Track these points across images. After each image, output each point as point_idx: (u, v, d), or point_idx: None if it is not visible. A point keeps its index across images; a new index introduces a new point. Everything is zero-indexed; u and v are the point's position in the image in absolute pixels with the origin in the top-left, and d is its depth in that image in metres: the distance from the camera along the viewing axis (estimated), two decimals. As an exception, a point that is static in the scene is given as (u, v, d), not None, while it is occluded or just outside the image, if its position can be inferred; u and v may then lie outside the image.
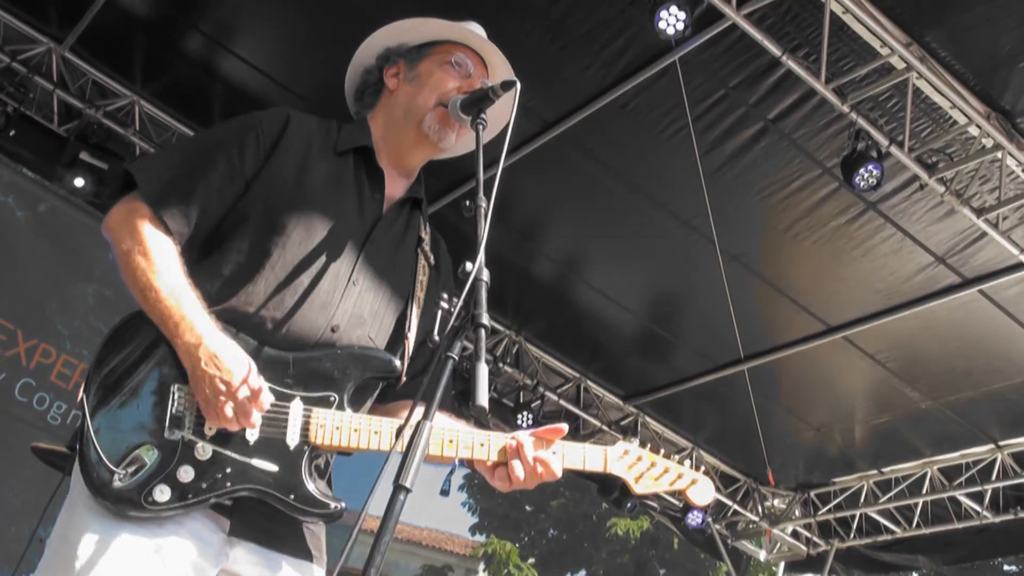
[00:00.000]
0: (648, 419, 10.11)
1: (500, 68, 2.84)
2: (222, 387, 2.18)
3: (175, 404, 2.26)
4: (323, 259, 2.51)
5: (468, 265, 2.08)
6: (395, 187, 2.75)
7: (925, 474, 9.60)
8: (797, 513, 10.70)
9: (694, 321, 8.69)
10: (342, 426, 2.35)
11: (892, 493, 9.84)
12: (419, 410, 2.00)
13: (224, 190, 2.49)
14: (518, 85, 2.45)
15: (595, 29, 6.21)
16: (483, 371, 1.95)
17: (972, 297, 7.40)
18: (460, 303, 2.06)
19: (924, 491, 9.62)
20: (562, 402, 9.78)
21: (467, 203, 2.24)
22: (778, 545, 11.10)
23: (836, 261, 7.49)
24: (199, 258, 2.48)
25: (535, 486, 2.47)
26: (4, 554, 7.79)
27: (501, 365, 9.25)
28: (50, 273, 8.58)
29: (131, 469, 2.17)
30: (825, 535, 10.73)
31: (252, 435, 2.28)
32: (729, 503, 10.64)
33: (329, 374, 2.41)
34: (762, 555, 11.36)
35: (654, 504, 10.76)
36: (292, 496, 2.29)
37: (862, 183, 6.25)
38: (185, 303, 2.28)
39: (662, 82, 6.43)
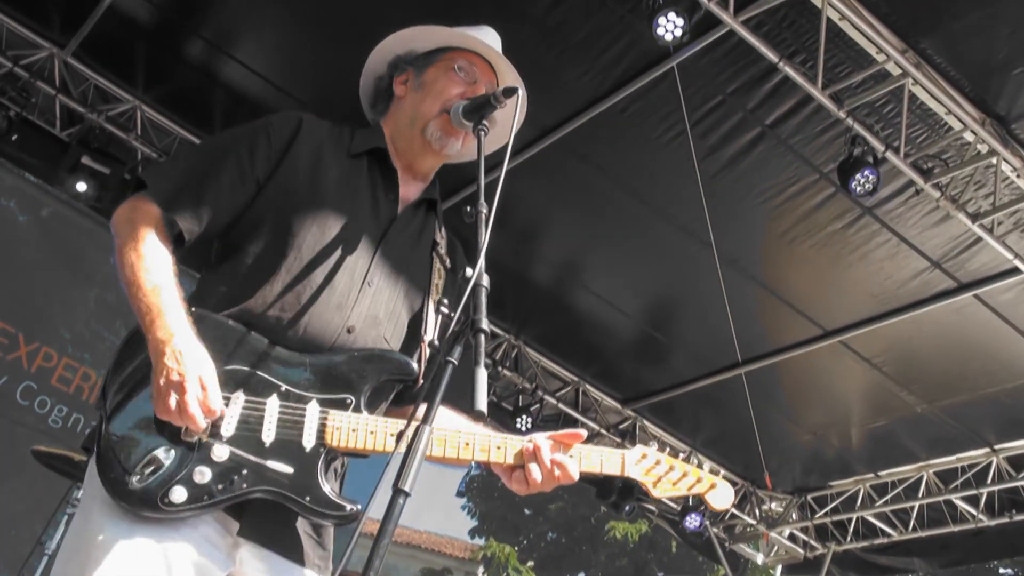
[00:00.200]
0: (646, 422, 10.15)
1: (508, 75, 2.84)
2: (175, 379, 2.17)
3: None
4: (338, 259, 2.52)
5: (468, 270, 2.09)
6: (409, 189, 2.77)
7: (921, 477, 9.64)
8: (794, 516, 10.75)
9: (692, 325, 8.73)
10: (358, 428, 2.35)
11: (888, 496, 9.89)
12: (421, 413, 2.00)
13: (234, 190, 2.52)
14: (520, 91, 2.45)
15: (593, 35, 6.25)
16: (482, 376, 1.95)
17: (967, 302, 7.44)
18: (460, 308, 2.07)
19: (920, 494, 9.66)
20: (561, 406, 9.81)
21: (468, 209, 2.24)
22: (775, 548, 11.14)
23: (833, 266, 7.53)
24: (217, 262, 2.52)
25: (552, 489, 2.47)
26: (5, 558, 7.81)
27: (500, 369, 9.29)
28: (52, 277, 8.61)
29: (148, 470, 2.18)
30: (822, 538, 10.77)
31: (268, 437, 2.28)
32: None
33: (346, 376, 2.40)
34: (759, 558, 11.40)
35: (652, 507, 10.79)
36: (308, 498, 2.28)
37: (858, 188, 6.28)
38: (165, 300, 2.29)
39: (660, 88, 6.47)
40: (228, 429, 2.26)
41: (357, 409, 2.38)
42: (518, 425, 9.44)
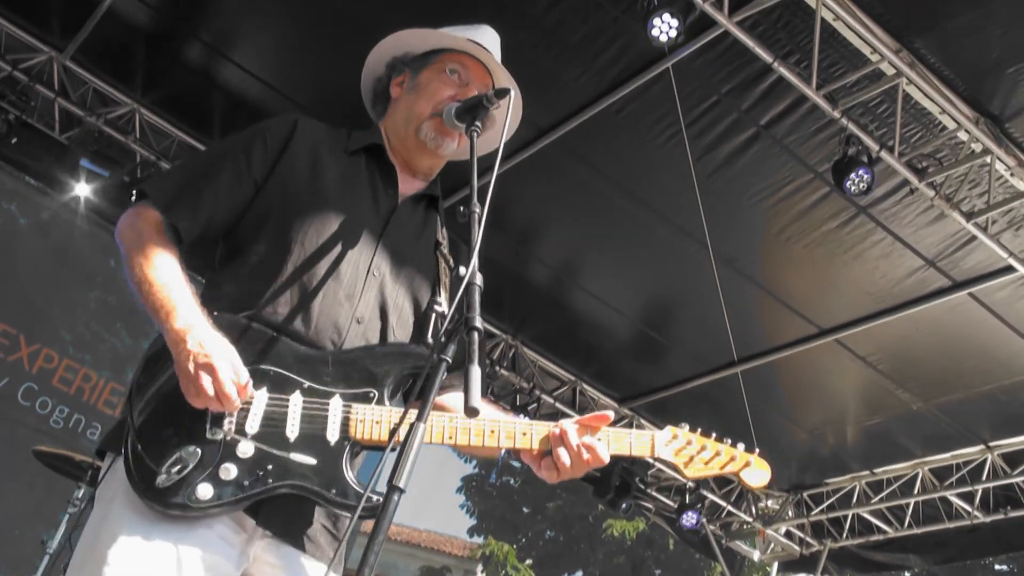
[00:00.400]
0: (643, 421, 10.16)
1: (503, 76, 2.85)
2: (203, 361, 2.19)
3: None
4: (342, 252, 2.55)
5: (462, 269, 2.10)
6: (408, 186, 2.80)
7: (916, 475, 9.67)
8: (790, 513, 10.78)
9: (688, 324, 8.77)
10: (382, 420, 2.36)
11: (884, 493, 9.91)
12: (424, 411, 2.00)
13: (232, 190, 2.55)
14: (512, 92, 2.47)
15: (589, 37, 6.28)
16: (476, 373, 1.95)
17: (962, 300, 7.47)
18: (454, 307, 2.11)
19: (916, 491, 9.69)
20: (558, 405, 9.84)
21: (461, 209, 2.25)
22: (772, 545, 11.16)
23: (828, 265, 7.56)
24: (222, 264, 2.56)
25: (583, 473, 2.45)
26: (8, 557, 7.85)
27: (498, 368, 9.32)
28: (52, 279, 8.66)
29: (175, 469, 2.20)
30: (818, 535, 10.81)
31: (293, 432, 2.30)
32: (723, 504, 10.72)
33: (368, 371, 2.43)
34: (756, 555, 11.43)
35: (649, 505, 10.83)
36: (333, 491, 2.29)
37: (853, 188, 6.30)
38: (177, 295, 2.32)
39: (655, 89, 6.49)
40: (253, 426, 2.28)
41: (380, 402, 2.40)
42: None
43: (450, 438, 2.36)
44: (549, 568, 26.13)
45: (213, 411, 2.26)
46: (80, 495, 6.50)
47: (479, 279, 2.10)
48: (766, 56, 5.96)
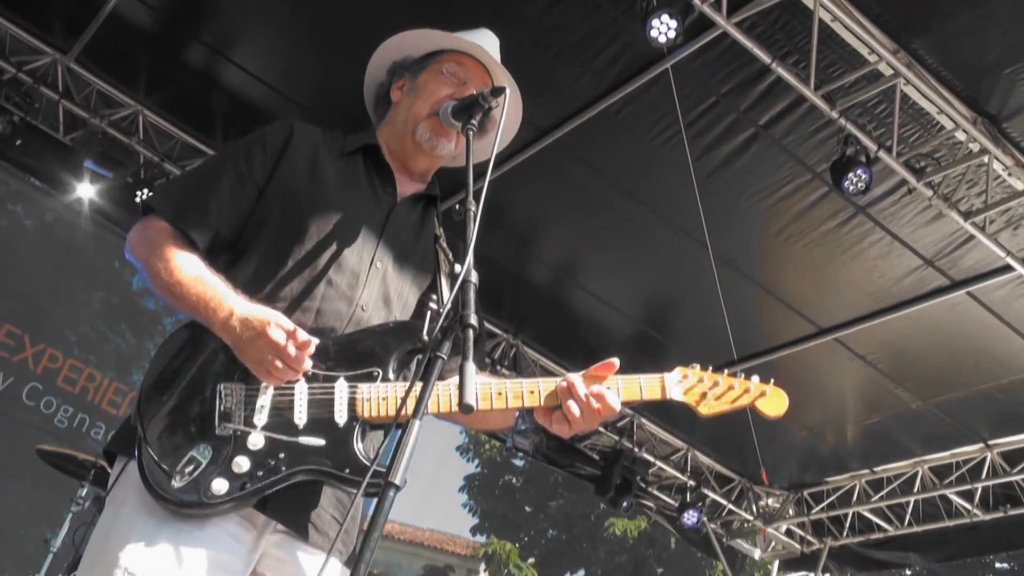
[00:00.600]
0: (644, 420, 10.21)
1: (501, 75, 2.87)
2: (262, 341, 2.24)
3: (222, 402, 2.32)
4: (343, 247, 2.58)
5: (457, 267, 2.12)
6: (407, 187, 2.83)
7: (916, 473, 9.68)
8: (791, 512, 10.80)
9: (688, 324, 8.79)
10: (388, 397, 2.37)
11: (884, 492, 9.92)
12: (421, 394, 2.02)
13: (236, 196, 2.58)
14: (508, 91, 2.49)
15: (588, 38, 6.31)
16: (470, 370, 1.96)
17: (960, 299, 7.48)
18: (448, 304, 2.11)
19: (915, 490, 9.70)
20: (559, 404, 9.89)
21: (456, 207, 2.28)
22: (772, 544, 11.19)
23: (827, 264, 7.58)
24: (227, 267, 2.57)
25: (598, 423, 2.44)
26: (13, 556, 7.89)
27: (499, 368, 9.36)
28: (57, 280, 8.73)
29: (188, 469, 2.23)
30: (819, 534, 10.82)
31: (301, 419, 2.33)
32: (724, 503, 10.74)
33: (370, 351, 2.44)
34: (757, 553, 11.45)
35: (650, 504, 10.85)
36: (347, 470, 2.30)
37: (851, 187, 6.32)
38: (210, 285, 2.36)
39: (654, 89, 6.52)
40: (261, 418, 2.31)
41: (385, 380, 2.41)
42: (516, 424, 9.53)
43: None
44: (551, 567, 26.18)
45: (281, 379, 2.30)
46: (83, 494, 6.54)
47: (474, 276, 2.11)
48: (764, 57, 5.98)
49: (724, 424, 9.73)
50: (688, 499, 10.29)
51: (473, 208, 2.24)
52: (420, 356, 2.50)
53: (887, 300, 7.77)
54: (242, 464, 2.26)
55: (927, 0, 5.63)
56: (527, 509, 27.49)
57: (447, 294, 2.56)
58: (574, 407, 2.39)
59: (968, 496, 9.42)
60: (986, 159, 6.35)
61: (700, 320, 8.32)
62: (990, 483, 9.19)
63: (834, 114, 6.21)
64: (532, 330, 9.43)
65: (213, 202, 2.56)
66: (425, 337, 2.50)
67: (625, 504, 10.15)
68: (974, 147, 6.30)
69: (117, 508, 2.32)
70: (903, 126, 6.35)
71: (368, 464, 2.29)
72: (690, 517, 10.19)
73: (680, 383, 2.54)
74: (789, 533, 10.99)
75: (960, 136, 6.29)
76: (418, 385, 2.07)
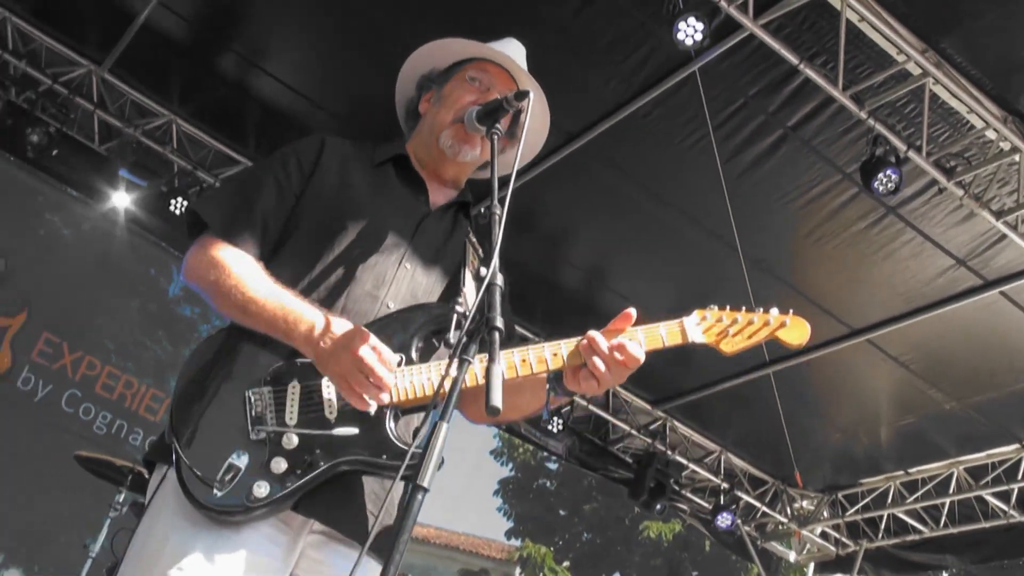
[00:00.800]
0: (676, 423, 10.21)
1: (525, 80, 2.88)
2: (348, 359, 2.23)
3: (252, 407, 2.35)
4: (372, 250, 2.60)
5: (482, 270, 2.14)
6: (438, 195, 2.85)
7: (951, 474, 9.61)
8: (825, 514, 10.75)
9: (719, 326, 8.77)
10: (415, 379, 2.38)
11: (919, 493, 9.84)
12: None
13: (279, 208, 2.62)
14: (532, 95, 2.46)
15: (615, 42, 6.34)
16: (497, 372, 1.95)
17: (993, 299, 7.42)
18: (475, 307, 2.10)
19: (951, 491, 9.63)
20: (592, 407, 9.92)
21: (482, 210, 2.29)
22: (807, 546, 11.14)
23: (858, 265, 7.55)
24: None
25: (624, 379, 2.43)
26: (54, 561, 8.00)
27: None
28: (94, 288, 8.85)
29: (228, 477, 2.26)
30: (854, 536, 10.76)
31: (332, 413, 2.35)
32: (758, 505, 10.72)
33: (395, 335, 2.44)
34: (792, 556, 11.39)
35: (684, 507, 10.84)
36: (384, 456, 2.33)
37: (881, 188, 6.29)
38: (286, 301, 2.38)
39: (682, 93, 6.53)
40: (292, 417, 2.35)
41: (411, 363, 2.42)
42: (549, 427, 9.61)
43: (483, 379, 2.26)
44: (586, 570, 26.19)
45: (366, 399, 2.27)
46: (121, 499, 6.58)
47: (500, 279, 2.12)
48: (792, 58, 5.97)
49: (757, 426, 9.73)
50: (722, 502, 10.25)
51: (498, 212, 2.23)
52: (442, 334, 2.51)
53: (919, 300, 7.73)
54: (280, 464, 2.29)
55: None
56: (561, 512, 27.52)
57: (473, 297, 2.58)
58: (599, 363, 2.38)
59: (1004, 497, 9.33)
60: (1017, 157, 6.31)
61: (731, 322, 8.28)
62: (1026, 484, 9.10)
63: (863, 114, 6.19)
64: (563, 334, 9.33)
65: (259, 215, 2.59)
66: (456, 307, 2.49)
67: (659, 507, 10.14)
68: (1005, 146, 6.26)
69: (156, 515, 2.35)
70: (932, 125, 6.31)
71: (405, 448, 2.31)
72: (724, 520, 10.16)
73: (699, 324, 2.55)
74: (824, 535, 10.93)
75: (990, 135, 6.24)
76: (446, 385, 2.04)
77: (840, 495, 10.66)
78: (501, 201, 2.24)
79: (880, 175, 6.27)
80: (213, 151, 8.20)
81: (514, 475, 27.97)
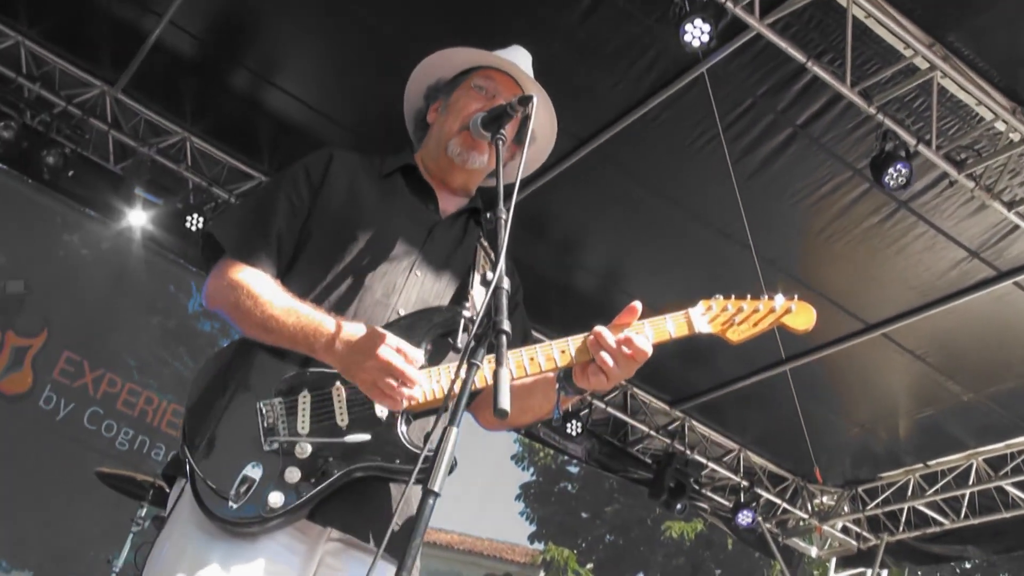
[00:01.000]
0: (695, 423, 10.23)
1: (531, 86, 2.89)
2: (372, 364, 2.25)
3: (264, 419, 2.37)
4: (381, 258, 2.62)
5: (489, 274, 2.13)
6: (449, 204, 2.87)
7: (971, 465, 9.60)
8: (846, 509, 10.74)
9: (735, 325, 8.78)
10: (424, 383, 2.38)
11: (939, 485, 9.84)
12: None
13: (291, 224, 2.65)
14: (535, 99, 2.46)
15: (623, 46, 6.37)
16: (505, 375, 1.96)
17: (1007, 290, 7.42)
18: (482, 311, 2.11)
19: (971, 482, 9.61)
20: (610, 409, 9.94)
21: (488, 215, 2.28)
22: (828, 541, 11.15)
23: (871, 260, 7.55)
24: None
25: (633, 372, 2.46)
26: (80, 576, 8.06)
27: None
28: (114, 306, 8.93)
29: (243, 489, 2.28)
30: (874, 529, 10.74)
31: (343, 420, 2.38)
32: (778, 502, 10.70)
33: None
34: (813, 551, 11.40)
35: (704, 505, 10.86)
36: (398, 461, 2.34)
37: (892, 183, 6.30)
38: (303, 314, 2.40)
39: (691, 94, 6.55)
40: (304, 426, 2.37)
41: (420, 366, 2.41)
42: (568, 430, 9.61)
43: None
44: (610, 571, 26.19)
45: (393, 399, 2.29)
46: (143, 514, 6.62)
47: (507, 283, 2.12)
48: (799, 56, 5.99)
49: (775, 423, 9.73)
50: (742, 499, 10.27)
51: (504, 216, 2.25)
52: (450, 337, 2.44)
53: (933, 294, 7.73)
54: (294, 474, 2.31)
55: (959, -8, 5.64)
56: (583, 515, 27.53)
57: (481, 301, 2.55)
58: (607, 357, 2.41)
59: (1024, 487, 9.34)
60: (1028, 148, 6.31)
61: (747, 321, 8.30)
62: (1047, 473, 9.09)
63: (872, 110, 6.20)
64: (580, 337, 9.43)
65: (273, 235, 2.62)
66: (463, 311, 2.51)
67: (679, 506, 10.14)
68: (1015, 137, 6.26)
69: (173, 528, 2.38)
70: (941, 119, 6.31)
71: (417, 452, 2.32)
72: (745, 517, 10.17)
73: (705, 315, 2.56)
74: (845, 530, 10.93)
75: (1000, 127, 6.25)
76: (456, 388, 2.05)
77: (860, 489, 10.65)
78: (507, 205, 2.25)
79: (890, 170, 6.29)
80: (227, 167, 8.25)
81: (536, 479, 28.01)
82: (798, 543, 11.33)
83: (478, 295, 2.59)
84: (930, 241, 7.25)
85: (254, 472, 2.31)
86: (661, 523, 24.60)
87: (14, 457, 8.19)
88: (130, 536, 6.64)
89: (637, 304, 2.49)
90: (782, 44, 5.96)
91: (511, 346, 2.22)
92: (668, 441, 10.14)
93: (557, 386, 2.54)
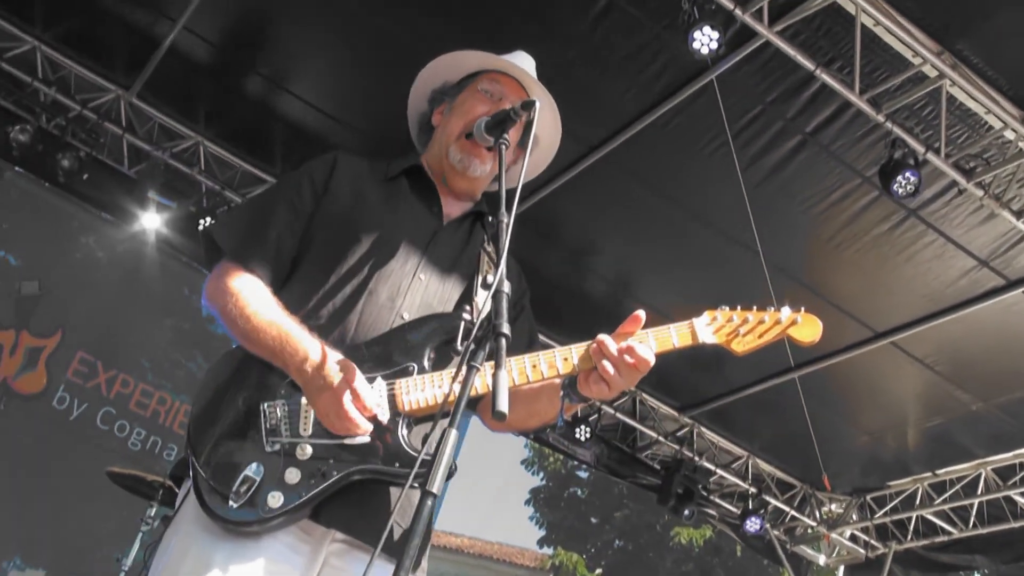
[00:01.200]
0: (703, 429, 10.24)
1: (536, 90, 2.89)
2: (328, 397, 2.28)
3: (267, 420, 2.40)
4: (385, 261, 2.62)
5: (489, 277, 2.17)
6: (454, 208, 2.86)
7: (979, 475, 9.58)
8: (854, 517, 10.73)
9: (744, 332, 8.78)
10: (426, 387, 2.41)
11: (947, 494, 9.82)
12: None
13: (293, 229, 2.67)
14: (538, 103, 2.47)
15: (632, 53, 6.39)
16: (503, 378, 1.96)
17: (1017, 299, 7.41)
18: (483, 314, 2.12)
19: (979, 492, 9.59)
20: (619, 415, 9.96)
21: (490, 219, 2.32)
22: (836, 549, 11.12)
23: (880, 268, 7.55)
24: (275, 291, 2.63)
25: (636, 381, 2.43)
26: (91, 575, 8.11)
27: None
28: (128, 308, 8.99)
29: (243, 489, 2.31)
30: (883, 538, 10.72)
31: None
32: (787, 509, 10.71)
33: (402, 346, 2.48)
34: (821, 559, 11.37)
35: (712, 512, 10.86)
36: (397, 464, 2.35)
37: (900, 191, 6.30)
38: (284, 329, 2.41)
39: (700, 101, 6.57)
40: (306, 428, 2.38)
41: (422, 372, 2.45)
42: (577, 435, 9.63)
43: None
44: (619, 577, 26.16)
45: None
46: (152, 513, 6.65)
47: (507, 287, 2.13)
48: (808, 64, 6.00)
49: (784, 430, 9.73)
50: (750, 506, 10.27)
51: (506, 219, 2.25)
52: (453, 344, 2.51)
53: (943, 302, 7.71)
54: (294, 475, 2.33)
55: (968, 1, 5.64)
56: (593, 520, 27.48)
57: (482, 304, 2.56)
58: (609, 366, 2.39)
59: (1033, 497, 9.31)
60: (1036, 157, 6.31)
61: (756, 328, 8.30)
62: (1056, 483, 9.07)
63: (880, 118, 6.20)
64: (589, 342, 9.44)
65: (273, 239, 2.64)
66: (464, 315, 2.53)
67: (687, 512, 10.15)
68: (1023, 145, 6.27)
69: (178, 528, 2.41)
70: (950, 127, 6.32)
71: (416, 455, 2.33)
72: (753, 524, 10.16)
73: (710, 325, 2.53)
74: (853, 538, 10.91)
75: (1009, 135, 6.25)
76: (455, 391, 2.07)
77: (868, 497, 10.64)
78: (509, 209, 2.26)
79: (899, 178, 6.28)
80: (240, 171, 8.31)
81: (545, 484, 27.97)
82: (806, 551, 11.31)
83: (481, 299, 2.62)
84: (939, 249, 7.24)
85: (255, 472, 2.33)
86: (670, 529, 24.54)
87: (28, 456, 8.27)
88: (140, 535, 6.69)
89: (641, 313, 2.47)
90: (791, 52, 5.96)
91: (514, 350, 2.25)
92: (677, 447, 10.15)
93: (561, 393, 2.54)
